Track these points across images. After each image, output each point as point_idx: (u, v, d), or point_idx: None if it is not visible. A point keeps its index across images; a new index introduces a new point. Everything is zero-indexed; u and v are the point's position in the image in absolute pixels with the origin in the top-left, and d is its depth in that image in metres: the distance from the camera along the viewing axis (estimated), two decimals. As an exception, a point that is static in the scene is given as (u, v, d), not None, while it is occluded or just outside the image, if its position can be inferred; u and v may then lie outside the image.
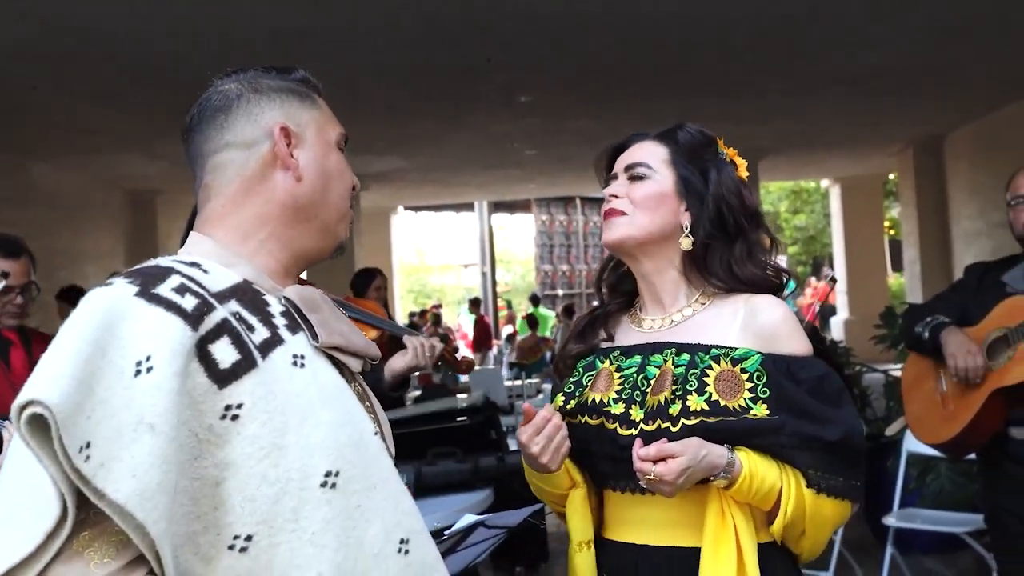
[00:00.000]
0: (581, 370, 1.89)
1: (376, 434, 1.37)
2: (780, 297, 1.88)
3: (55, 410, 1.06)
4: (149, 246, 9.86)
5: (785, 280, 1.93)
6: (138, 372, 1.14)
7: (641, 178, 1.87)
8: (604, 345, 1.92)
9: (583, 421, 1.81)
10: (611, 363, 1.85)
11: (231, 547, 1.20)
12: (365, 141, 7.99)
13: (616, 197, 1.88)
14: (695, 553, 1.72)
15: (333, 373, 1.35)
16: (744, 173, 1.95)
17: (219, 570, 1.20)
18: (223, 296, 1.28)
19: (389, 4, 4.93)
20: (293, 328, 1.34)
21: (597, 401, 1.80)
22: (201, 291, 1.26)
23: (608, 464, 1.79)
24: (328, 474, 1.26)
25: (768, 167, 10.50)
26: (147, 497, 1.10)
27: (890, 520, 4.91)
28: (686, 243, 1.85)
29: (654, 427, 1.72)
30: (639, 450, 1.65)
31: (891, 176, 13.59)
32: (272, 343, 1.28)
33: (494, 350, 18.03)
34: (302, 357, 1.31)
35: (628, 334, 1.92)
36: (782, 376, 1.74)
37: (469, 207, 21.50)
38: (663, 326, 1.88)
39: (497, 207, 22.63)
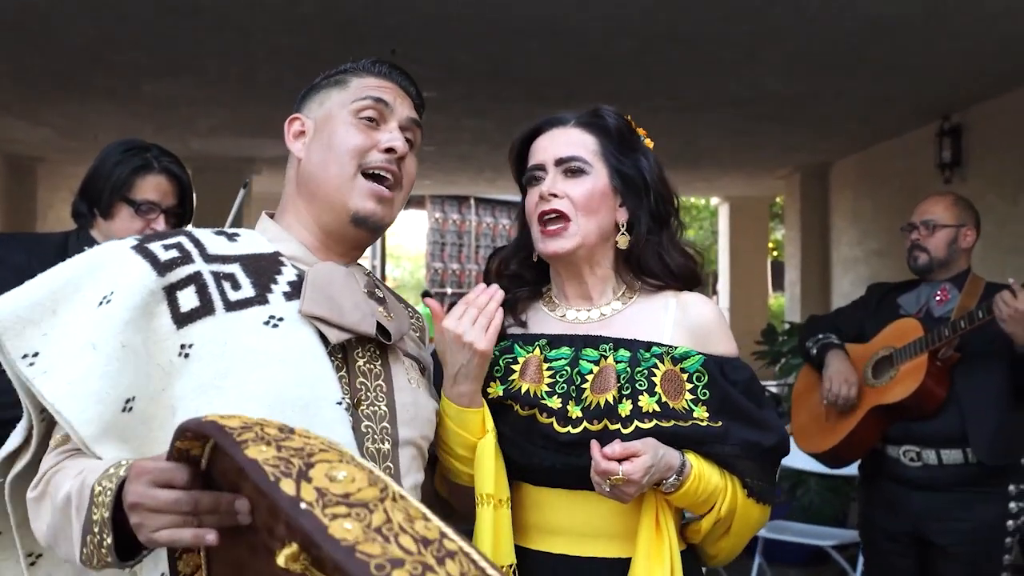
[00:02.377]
0: (497, 353, 1.72)
1: (339, 404, 1.42)
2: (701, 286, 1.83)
3: None
4: (27, 214, 9.44)
5: (699, 264, 1.86)
6: (100, 303, 1.36)
7: (577, 173, 1.74)
8: (515, 331, 1.78)
9: (514, 409, 1.67)
10: (538, 352, 1.72)
11: None
12: (260, 124, 7.83)
13: (555, 196, 1.73)
14: (622, 564, 1.63)
15: (311, 341, 1.44)
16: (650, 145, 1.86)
17: None
18: (223, 259, 1.47)
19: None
20: (291, 296, 1.47)
21: (531, 393, 1.67)
22: (192, 250, 1.46)
23: (540, 459, 1.66)
24: None
25: (661, 181, 10.66)
26: (78, 400, 1.30)
27: (759, 531, 5.02)
28: (623, 242, 1.77)
29: (599, 427, 1.62)
30: (604, 449, 1.54)
31: (778, 199, 13.94)
32: (249, 302, 1.44)
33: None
34: (280, 319, 1.43)
35: (546, 323, 1.79)
36: (721, 378, 1.69)
37: (363, 199, 21.30)
38: (590, 319, 1.76)
39: (391, 201, 22.45)
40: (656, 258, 1.77)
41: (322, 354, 1.44)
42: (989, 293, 3.09)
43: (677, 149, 8.93)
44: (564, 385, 1.67)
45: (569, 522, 1.67)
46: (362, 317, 1.49)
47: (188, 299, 1.41)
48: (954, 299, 3.20)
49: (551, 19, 5.21)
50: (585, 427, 1.63)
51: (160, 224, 2.51)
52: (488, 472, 1.63)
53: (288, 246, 1.56)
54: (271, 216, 1.65)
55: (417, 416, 1.57)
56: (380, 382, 1.52)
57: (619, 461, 1.54)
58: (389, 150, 1.56)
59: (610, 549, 1.66)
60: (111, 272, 1.40)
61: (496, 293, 1.65)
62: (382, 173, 1.56)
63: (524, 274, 1.85)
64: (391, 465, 1.50)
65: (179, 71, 6.36)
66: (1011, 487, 3.12)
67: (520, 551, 1.67)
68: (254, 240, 1.56)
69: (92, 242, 2.51)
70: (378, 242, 22.61)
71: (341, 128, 1.57)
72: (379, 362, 1.53)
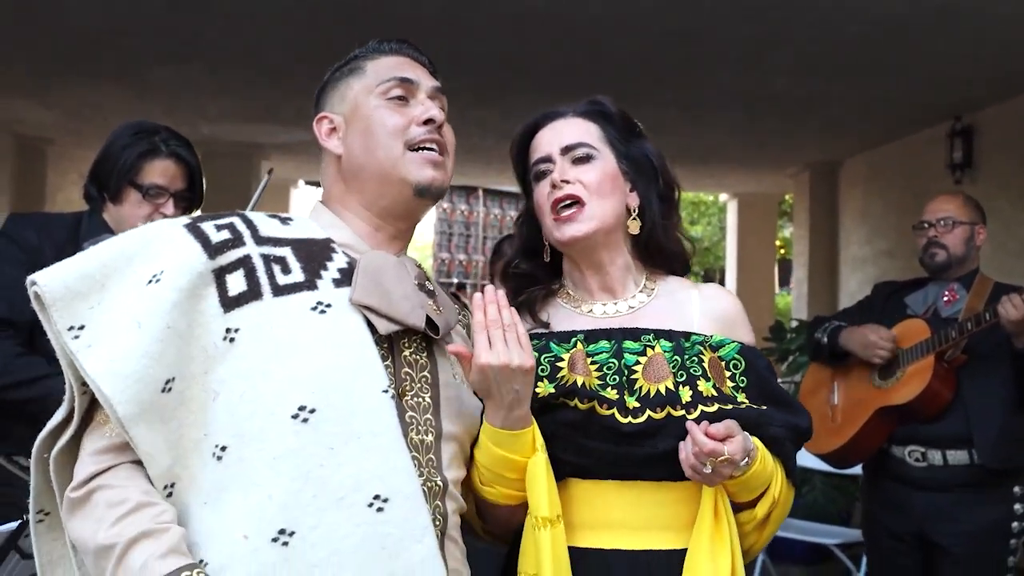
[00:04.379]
0: (536, 353, 1.63)
1: (386, 392, 1.41)
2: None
3: (45, 291, 1.33)
4: (36, 196, 9.42)
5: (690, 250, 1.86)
6: (150, 282, 1.37)
7: (587, 159, 1.72)
8: (539, 331, 1.73)
9: (572, 405, 1.61)
10: (580, 346, 1.67)
11: (213, 454, 1.34)
12: (269, 110, 7.82)
13: (567, 182, 1.71)
14: (678, 555, 1.60)
15: (359, 328, 1.44)
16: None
17: (208, 475, 1.34)
18: (275, 242, 1.48)
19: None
20: (341, 283, 1.47)
21: (588, 386, 1.62)
22: (243, 232, 1.47)
23: (602, 452, 1.61)
24: (302, 408, 1.35)
25: (669, 176, 10.63)
26: (119, 378, 1.29)
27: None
28: (634, 227, 1.75)
29: (663, 415, 1.59)
30: (709, 429, 1.51)
31: (787, 197, 13.90)
32: (298, 287, 1.44)
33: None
34: (328, 305, 1.43)
35: (573, 319, 1.76)
36: (755, 364, 1.69)
37: (371, 188, 21.27)
38: (619, 313, 1.74)
39: (399, 191, 22.43)
40: (670, 241, 1.79)
41: (369, 342, 1.44)
42: (997, 293, 3.08)
43: (685, 145, 8.90)
44: (615, 377, 1.64)
45: (622, 515, 1.64)
46: (411, 309, 1.49)
47: (236, 283, 1.42)
48: (962, 299, 3.19)
49: (561, 12, 5.20)
50: (649, 415, 1.60)
51: (169, 209, 2.50)
52: (543, 493, 1.55)
53: (341, 233, 1.57)
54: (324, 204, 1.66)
55: (461, 412, 1.56)
56: (425, 373, 1.52)
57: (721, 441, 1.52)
58: (428, 121, 1.57)
59: (665, 540, 1.63)
60: (163, 250, 1.41)
61: (501, 298, 1.56)
62: (427, 145, 1.57)
63: (536, 273, 1.83)
64: (433, 457, 1.49)
65: (189, 56, 6.35)
66: (1016, 488, 3.12)
67: (571, 551, 1.59)
68: (307, 225, 1.57)
69: (104, 225, 2.53)
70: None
71: (375, 114, 1.58)
72: (425, 354, 1.53)
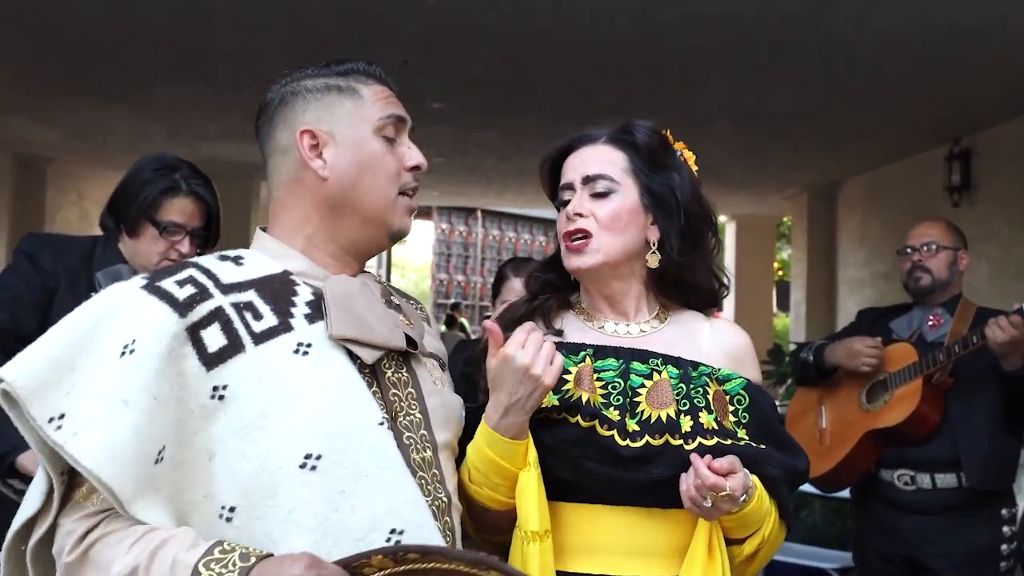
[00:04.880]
0: None
1: (381, 424, 1.40)
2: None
3: (16, 386, 1.25)
4: (35, 215, 9.43)
5: (724, 288, 1.84)
6: (123, 354, 1.29)
7: (605, 194, 1.71)
8: (551, 339, 1.68)
9: (574, 421, 1.60)
10: (588, 361, 1.67)
11: (220, 516, 1.31)
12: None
13: (580, 216, 1.71)
14: None
15: (343, 363, 1.41)
16: (695, 167, 1.83)
17: (214, 536, 1.28)
18: (238, 287, 1.42)
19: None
20: (313, 318, 1.43)
21: (592, 403, 1.61)
22: (206, 283, 1.40)
23: (598, 474, 1.60)
24: (308, 456, 1.33)
25: (669, 198, 10.65)
26: (118, 463, 1.23)
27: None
28: (653, 261, 1.73)
29: (660, 442, 1.59)
30: (713, 464, 1.51)
31: (785, 219, 13.93)
32: (275, 331, 1.39)
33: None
34: (308, 346, 1.40)
35: (584, 334, 1.75)
36: (759, 402, 1.68)
37: (370, 209, 21.30)
38: (630, 334, 1.73)
39: (398, 211, 22.47)
40: (687, 280, 1.76)
41: (356, 377, 1.41)
42: (980, 317, 3.13)
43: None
44: (619, 398, 1.63)
45: (613, 540, 1.63)
46: (390, 331, 1.48)
47: (214, 338, 1.36)
48: (946, 324, 3.23)
49: (562, 33, 5.22)
50: (647, 441, 1.59)
51: (184, 246, 2.51)
52: (533, 508, 1.56)
53: (294, 263, 1.50)
54: (264, 231, 1.57)
55: (448, 417, 1.56)
56: (410, 389, 1.50)
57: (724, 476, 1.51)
58: (415, 167, 1.55)
59: (656, 568, 1.63)
60: (127, 318, 1.33)
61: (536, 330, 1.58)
62: (410, 192, 1.56)
63: (557, 283, 1.82)
64: (437, 472, 1.49)
65: (191, 75, 6.38)
66: (1003, 511, 3.15)
67: (562, 575, 1.60)
68: (259, 261, 1.50)
69: (118, 255, 2.55)
70: (384, 252, 22.61)
71: (376, 149, 1.52)
72: (404, 369, 1.52)
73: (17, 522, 1.35)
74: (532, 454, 1.59)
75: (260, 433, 1.33)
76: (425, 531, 1.38)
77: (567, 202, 1.75)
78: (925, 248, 3.29)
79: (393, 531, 1.36)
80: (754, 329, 13.48)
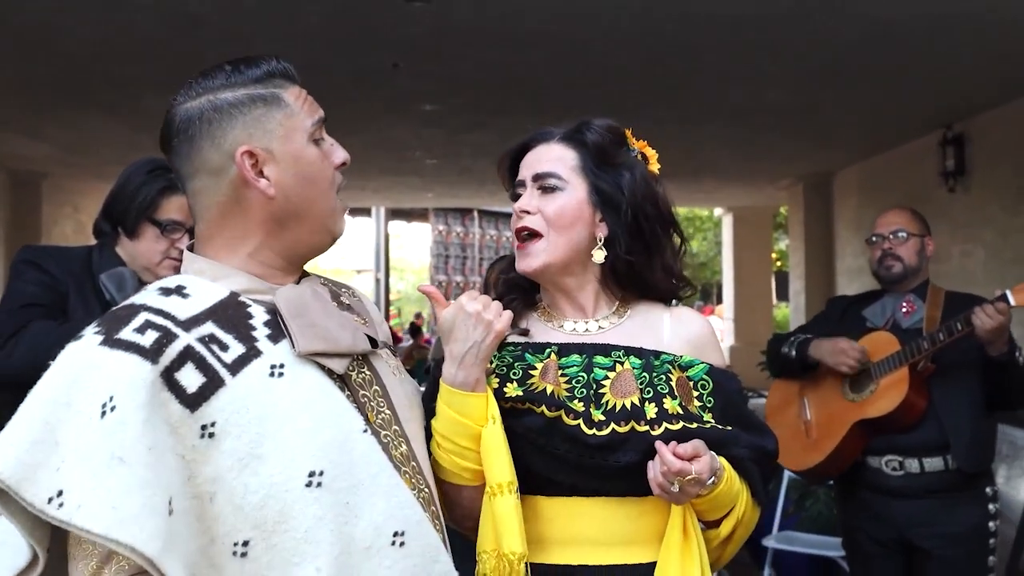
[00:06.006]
0: (510, 359, 1.72)
1: (365, 431, 1.40)
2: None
3: (4, 478, 1.18)
4: (31, 229, 9.46)
5: (684, 288, 1.87)
6: (103, 413, 1.23)
7: (552, 190, 1.75)
8: (517, 339, 1.77)
9: (539, 411, 1.64)
10: (553, 357, 1.72)
11: (234, 553, 1.28)
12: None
13: (528, 213, 1.75)
14: (643, 569, 1.64)
15: (317, 376, 1.39)
16: (656, 166, 1.85)
17: (243, 573, 1.28)
18: (196, 321, 1.36)
19: None
20: (276, 337, 1.40)
21: (556, 395, 1.65)
22: (165, 323, 1.34)
23: (567, 462, 1.64)
24: (312, 474, 1.32)
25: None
26: (131, 522, 1.18)
27: (769, 542, 5.03)
28: (598, 256, 1.76)
29: (626, 429, 1.62)
30: (677, 449, 1.54)
31: (781, 209, 13.95)
32: (246, 359, 1.35)
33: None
34: (281, 366, 1.37)
35: (547, 334, 1.79)
36: (723, 386, 1.73)
37: (366, 212, 21.33)
38: (588, 331, 1.78)
39: (394, 214, 22.51)
40: (639, 276, 1.79)
41: (332, 388, 1.41)
42: (952, 301, 3.23)
43: (679, 160, 8.93)
44: (583, 389, 1.67)
45: (588, 531, 1.66)
46: (352, 336, 1.47)
47: (191, 378, 1.31)
48: (920, 310, 3.29)
49: (553, 31, 5.22)
50: (613, 428, 1.62)
51: (184, 243, 2.52)
52: (502, 458, 1.59)
53: (235, 281, 1.45)
54: (191, 250, 1.52)
55: (411, 403, 1.57)
56: (375, 387, 1.51)
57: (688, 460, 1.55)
58: (343, 164, 1.53)
59: (632, 555, 1.66)
60: (96, 377, 1.26)
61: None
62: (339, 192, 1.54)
63: (522, 283, 1.85)
64: (415, 463, 1.49)
65: (181, 85, 6.36)
66: (987, 489, 3.22)
67: (535, 568, 1.61)
68: (202, 287, 1.43)
69: (115, 258, 2.57)
70: (382, 255, 22.61)
71: (313, 157, 1.48)
72: (365, 368, 1.51)
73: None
74: (493, 407, 1.62)
75: (259, 463, 1.30)
76: (422, 527, 1.40)
77: (519, 195, 1.80)
78: (894, 236, 3.35)
79: (396, 534, 1.37)
80: (754, 320, 13.56)
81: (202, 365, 1.32)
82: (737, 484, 1.68)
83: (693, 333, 1.80)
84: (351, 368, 1.47)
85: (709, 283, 22.57)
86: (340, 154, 1.52)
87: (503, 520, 1.56)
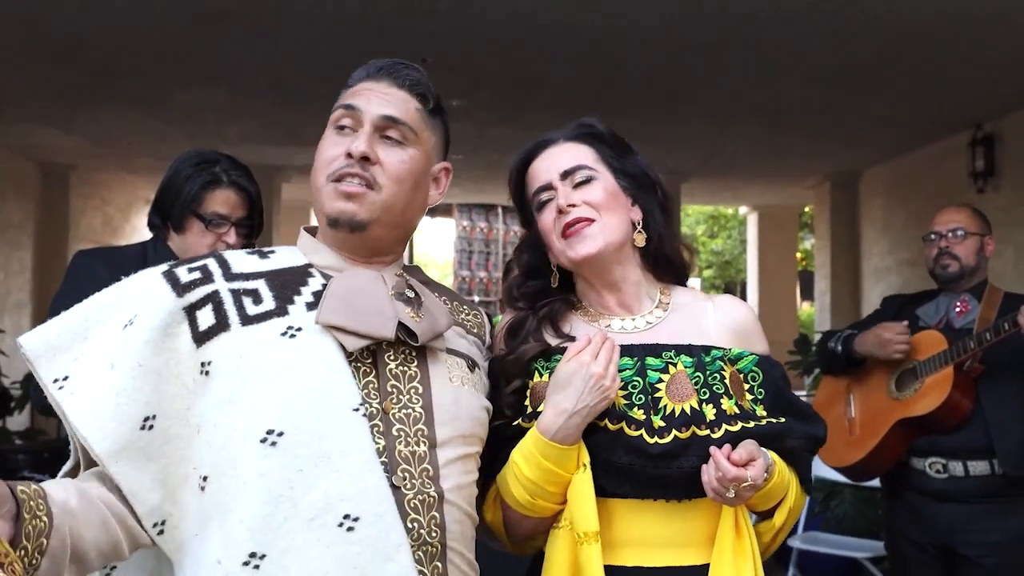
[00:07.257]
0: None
1: (357, 410, 1.42)
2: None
3: (27, 348, 1.40)
4: (59, 222, 9.50)
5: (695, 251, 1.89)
6: (126, 326, 1.41)
7: (587, 180, 1.74)
8: (562, 344, 1.72)
9: (603, 425, 1.62)
10: None
11: (199, 486, 1.38)
12: (290, 132, 7.87)
13: (574, 206, 1.72)
14: (698, 571, 1.62)
15: (330, 348, 1.45)
16: None
17: (195, 507, 1.38)
18: (246, 277, 1.51)
19: (325, -5, 4.86)
20: (313, 306, 1.49)
21: (618, 406, 1.63)
22: (214, 270, 1.51)
23: (630, 473, 1.61)
24: (270, 432, 1.37)
25: (688, 191, 10.63)
26: (94, 417, 1.34)
27: (794, 542, 5.00)
28: (640, 239, 1.76)
29: (687, 434, 1.60)
30: (732, 455, 1.53)
31: (807, 208, 13.85)
32: (267, 315, 1.47)
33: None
34: (298, 329, 1.46)
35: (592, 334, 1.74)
36: (771, 375, 1.71)
37: (391, 208, 21.32)
38: (636, 329, 1.74)
39: (419, 210, 22.49)
40: (673, 251, 1.81)
41: (339, 362, 1.44)
42: (1008, 303, 3.12)
43: (704, 158, 8.90)
44: (641, 396, 1.64)
45: (644, 533, 1.64)
46: (381, 322, 1.48)
47: (206, 318, 1.45)
48: (974, 310, 3.21)
49: (580, 28, 5.21)
50: (675, 435, 1.60)
51: (231, 237, 2.54)
52: (591, 507, 1.58)
53: (322, 257, 1.59)
54: (307, 230, 1.68)
55: (458, 415, 1.54)
56: (415, 384, 1.51)
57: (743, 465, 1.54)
58: (348, 155, 1.55)
59: (687, 557, 1.64)
60: (137, 296, 1.46)
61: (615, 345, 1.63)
62: (345, 177, 1.55)
63: (547, 291, 1.81)
64: (428, 468, 1.47)
65: (210, 79, 6.41)
66: None
67: None
68: (289, 255, 1.60)
69: (169, 252, 2.58)
70: (406, 250, 22.59)
71: (321, 144, 1.60)
72: (415, 363, 1.52)
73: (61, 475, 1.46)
74: (584, 455, 1.61)
75: (232, 408, 1.39)
76: (383, 521, 1.38)
77: (546, 203, 1.76)
78: (951, 234, 3.27)
79: (347, 516, 1.36)
80: (779, 319, 13.47)
81: (219, 310, 1.46)
82: (787, 474, 1.68)
83: (738, 321, 1.78)
84: (391, 358, 1.50)
85: (733, 281, 22.43)
86: (351, 145, 1.55)
87: (588, 569, 1.56)
